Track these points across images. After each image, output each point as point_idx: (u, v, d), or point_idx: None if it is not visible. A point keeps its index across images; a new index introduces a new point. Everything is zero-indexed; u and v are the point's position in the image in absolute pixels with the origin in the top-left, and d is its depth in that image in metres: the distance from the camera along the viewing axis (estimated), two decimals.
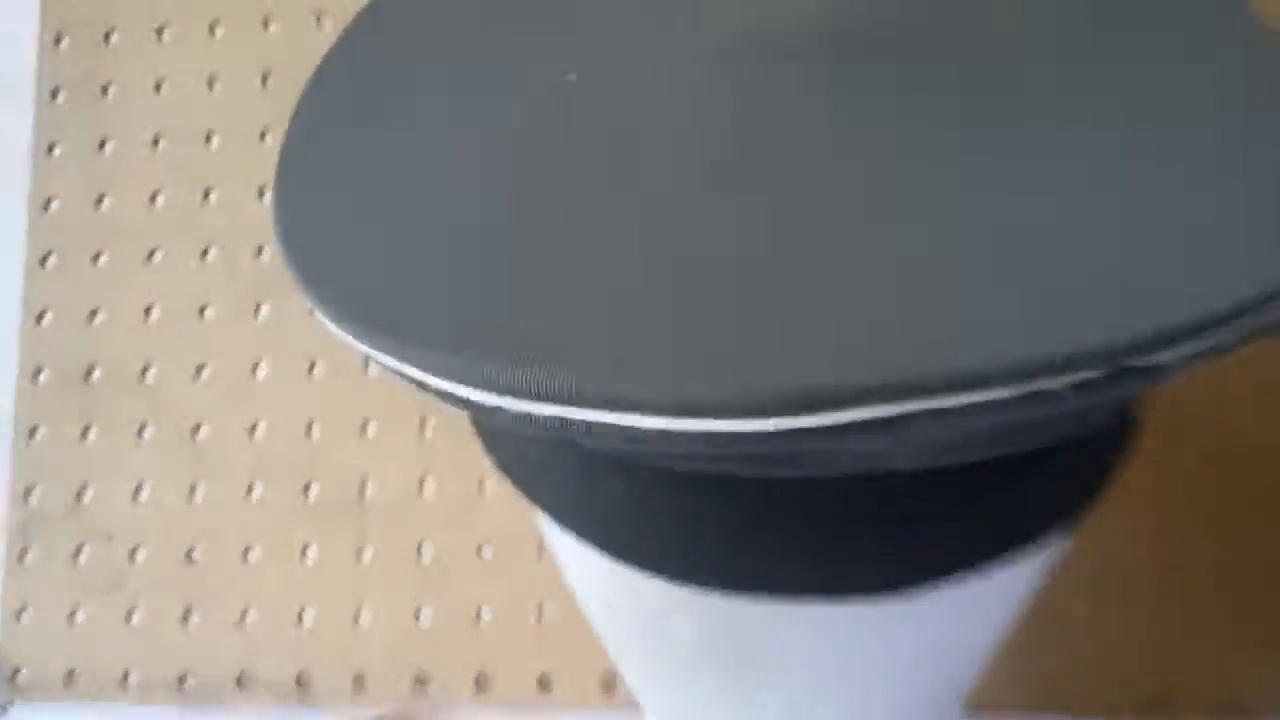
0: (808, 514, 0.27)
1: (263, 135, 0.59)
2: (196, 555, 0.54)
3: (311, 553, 0.54)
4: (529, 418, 0.21)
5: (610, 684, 0.51)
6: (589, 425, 0.20)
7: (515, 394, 0.20)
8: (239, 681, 0.53)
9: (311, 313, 0.24)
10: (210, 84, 0.60)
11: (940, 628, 0.30)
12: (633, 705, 0.41)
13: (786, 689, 0.31)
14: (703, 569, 0.28)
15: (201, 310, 0.57)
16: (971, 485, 0.27)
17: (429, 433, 0.54)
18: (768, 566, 0.28)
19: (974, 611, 0.31)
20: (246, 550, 0.54)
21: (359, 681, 0.52)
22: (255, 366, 0.56)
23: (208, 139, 0.59)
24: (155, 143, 0.59)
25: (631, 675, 0.36)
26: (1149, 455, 0.47)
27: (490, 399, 0.21)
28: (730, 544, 0.28)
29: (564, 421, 0.21)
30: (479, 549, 0.53)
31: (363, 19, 0.33)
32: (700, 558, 0.28)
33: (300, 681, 0.53)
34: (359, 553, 0.53)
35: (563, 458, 0.29)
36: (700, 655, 0.31)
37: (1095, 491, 0.30)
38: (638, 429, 0.20)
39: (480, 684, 0.52)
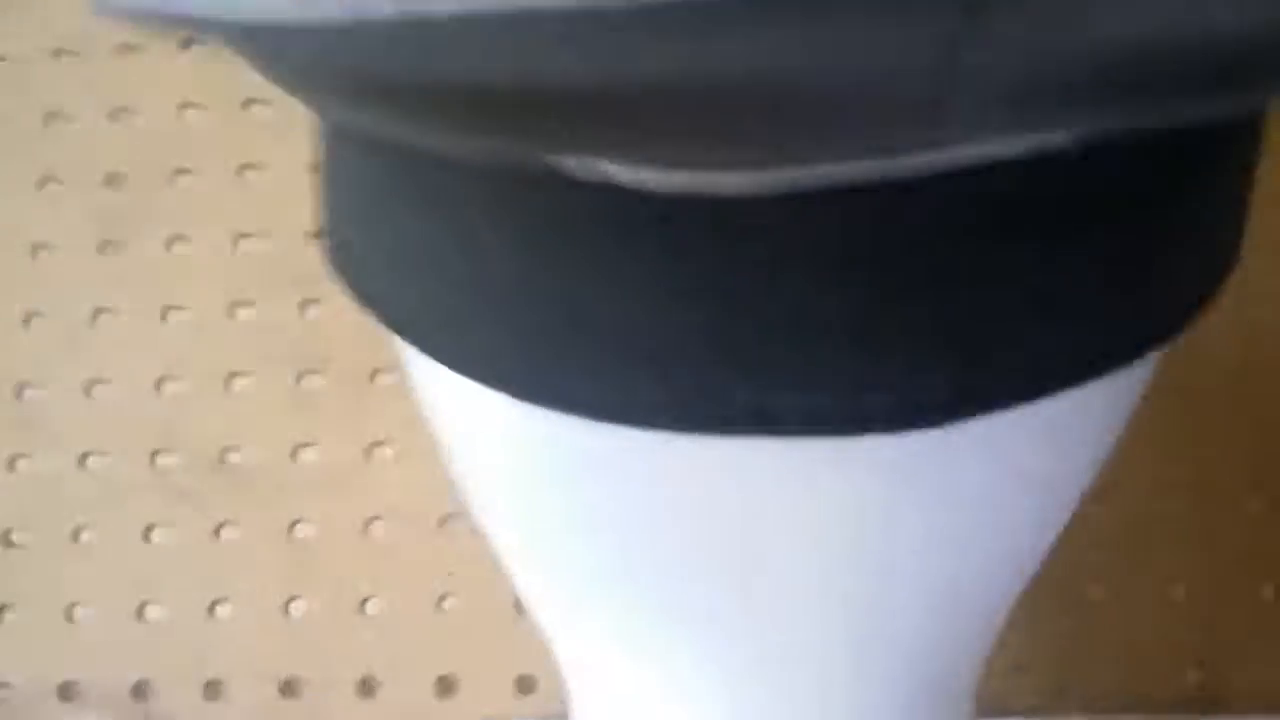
0: (813, 289, 0.19)
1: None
2: (16, 539, 0.44)
3: (158, 535, 0.43)
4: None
5: (528, 686, 0.41)
6: None
7: None
8: (63, 693, 0.42)
9: None
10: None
11: (995, 475, 0.22)
12: (554, 707, 0.32)
13: (765, 575, 0.22)
14: (654, 400, 0.19)
15: (35, 248, 0.47)
16: (1061, 235, 0.19)
17: (307, 386, 0.45)
18: (757, 388, 0.19)
19: (1052, 448, 0.22)
20: (78, 532, 0.44)
21: (213, 690, 0.42)
22: (97, 313, 0.46)
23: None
24: None
25: (542, 593, 0.26)
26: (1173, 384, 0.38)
27: None
28: (699, 354, 0.19)
29: None
30: (366, 526, 0.43)
31: None
32: (651, 382, 0.19)
33: (139, 692, 0.42)
34: (217, 533, 0.43)
35: (433, 233, 0.20)
36: (645, 538, 0.22)
37: (1218, 282, 0.22)
38: None
39: (365, 690, 0.42)
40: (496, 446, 0.23)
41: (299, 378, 0.45)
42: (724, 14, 0.12)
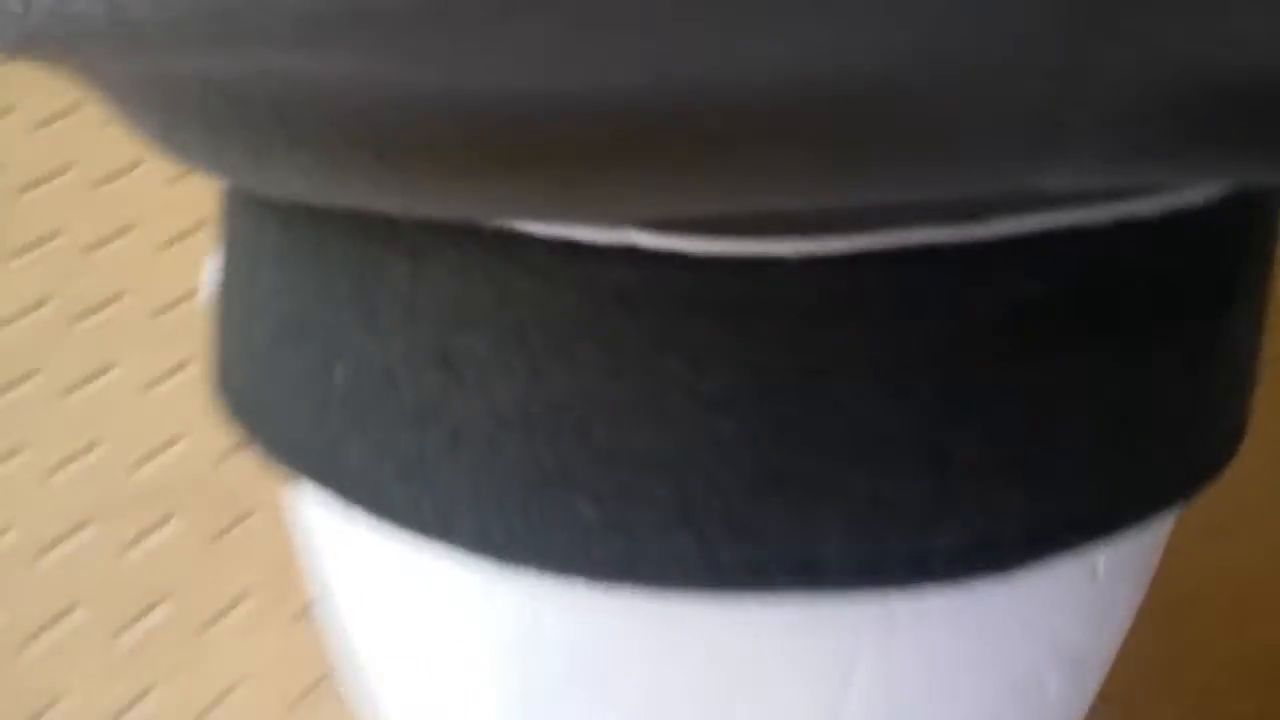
0: (869, 398, 0.15)
1: None
2: None
3: None
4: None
5: None
6: None
7: None
8: None
9: None
10: None
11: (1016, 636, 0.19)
12: None
13: None
14: (668, 547, 0.15)
15: None
16: (1136, 335, 0.16)
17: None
18: (798, 527, 0.15)
19: (1091, 619, 0.20)
20: None
21: None
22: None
23: None
24: None
25: None
26: None
27: None
28: (726, 483, 0.15)
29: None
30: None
31: None
32: (662, 523, 0.15)
33: None
34: None
35: (371, 357, 0.17)
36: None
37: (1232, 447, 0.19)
38: None
39: None
40: (468, 625, 0.19)
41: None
42: None
